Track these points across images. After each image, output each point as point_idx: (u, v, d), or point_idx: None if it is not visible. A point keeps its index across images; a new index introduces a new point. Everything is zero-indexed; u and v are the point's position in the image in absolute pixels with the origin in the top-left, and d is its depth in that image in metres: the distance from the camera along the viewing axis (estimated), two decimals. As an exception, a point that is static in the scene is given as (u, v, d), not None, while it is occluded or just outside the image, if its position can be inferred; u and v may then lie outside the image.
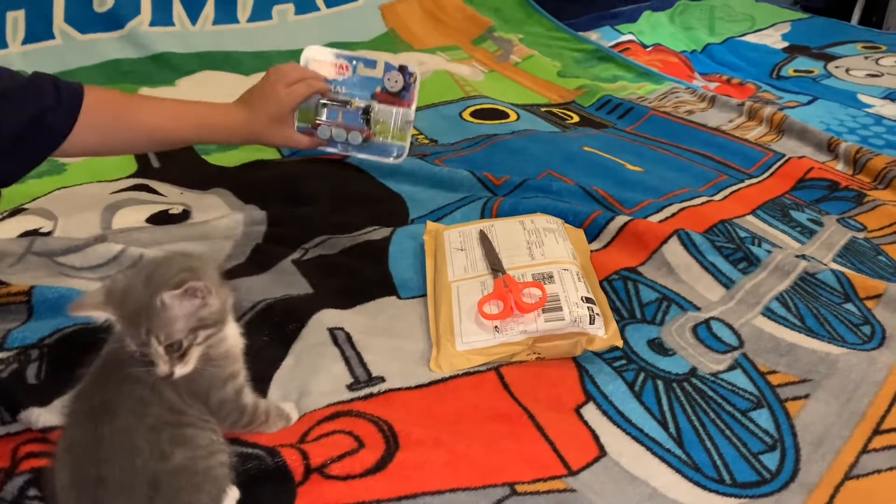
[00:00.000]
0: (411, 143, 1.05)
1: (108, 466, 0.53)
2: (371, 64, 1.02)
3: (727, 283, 0.95)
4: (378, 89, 1.03)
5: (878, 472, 0.70)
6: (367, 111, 1.01)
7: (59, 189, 1.13)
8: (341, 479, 0.64)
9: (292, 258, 0.97)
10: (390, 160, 1.02)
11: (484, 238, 0.95)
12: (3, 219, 1.04)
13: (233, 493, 0.60)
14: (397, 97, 1.02)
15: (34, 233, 1.00)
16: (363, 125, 1.01)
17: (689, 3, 2.40)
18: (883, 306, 0.92)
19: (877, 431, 0.74)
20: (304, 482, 0.64)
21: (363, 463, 0.66)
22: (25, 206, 1.07)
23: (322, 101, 1.03)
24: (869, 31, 2.34)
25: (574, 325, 0.80)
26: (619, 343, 0.83)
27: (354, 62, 1.02)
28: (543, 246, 0.92)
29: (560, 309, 0.81)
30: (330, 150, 1.06)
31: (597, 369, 0.81)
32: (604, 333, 0.82)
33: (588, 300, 0.83)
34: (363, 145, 1.02)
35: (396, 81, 1.01)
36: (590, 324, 0.81)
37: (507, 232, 0.96)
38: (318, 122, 1.03)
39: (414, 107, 1.03)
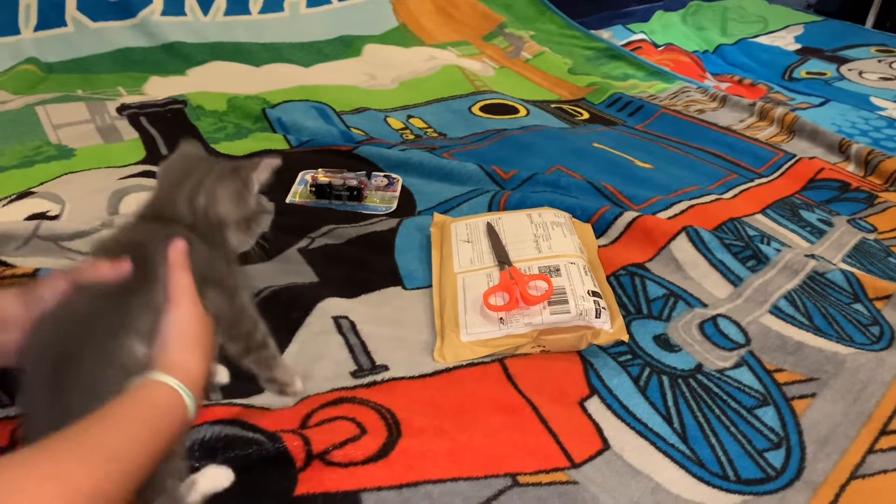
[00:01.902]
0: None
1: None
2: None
3: (735, 281, 0.94)
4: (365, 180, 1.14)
5: (885, 472, 0.69)
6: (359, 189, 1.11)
7: (67, 174, 1.13)
8: (343, 466, 0.64)
9: (298, 247, 0.97)
10: (381, 212, 1.10)
11: (491, 230, 0.94)
12: (11, 201, 1.04)
13: (225, 474, 0.60)
14: (382, 189, 1.14)
15: (41, 216, 1.00)
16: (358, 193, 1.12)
17: (702, 3, 2.39)
18: (892, 307, 0.91)
19: (884, 432, 0.74)
20: (305, 468, 0.63)
21: (365, 450, 0.65)
22: (33, 190, 1.07)
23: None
24: (883, 34, 2.33)
25: (580, 318, 0.80)
26: (625, 337, 0.82)
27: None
28: (551, 239, 0.92)
29: (566, 302, 0.80)
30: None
31: (602, 363, 0.80)
32: (609, 327, 0.82)
33: (594, 294, 0.83)
34: (357, 204, 1.11)
35: (382, 180, 1.15)
36: (596, 317, 0.80)
37: (515, 225, 0.95)
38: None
39: (398, 190, 1.14)
